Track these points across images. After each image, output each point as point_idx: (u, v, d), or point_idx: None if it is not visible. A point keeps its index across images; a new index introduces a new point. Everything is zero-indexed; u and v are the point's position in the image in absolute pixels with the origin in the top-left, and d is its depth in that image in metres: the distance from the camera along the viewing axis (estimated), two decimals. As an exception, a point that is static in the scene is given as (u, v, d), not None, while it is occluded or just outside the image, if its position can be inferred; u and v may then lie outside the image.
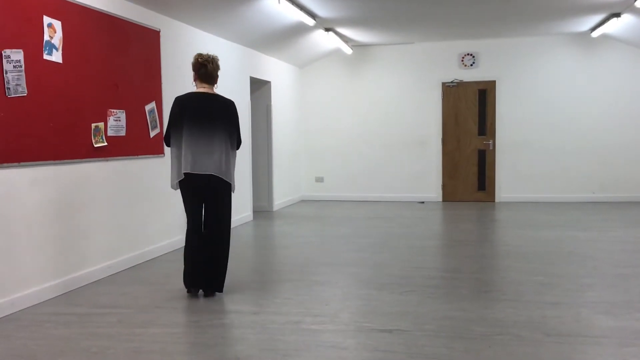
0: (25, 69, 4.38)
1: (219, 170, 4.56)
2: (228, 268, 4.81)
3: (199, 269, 4.66)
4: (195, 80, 4.69)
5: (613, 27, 9.13)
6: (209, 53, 4.77)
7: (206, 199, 4.67)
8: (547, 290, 4.74)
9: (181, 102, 4.61)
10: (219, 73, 4.75)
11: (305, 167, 11.62)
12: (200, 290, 4.74)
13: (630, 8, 7.91)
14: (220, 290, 4.74)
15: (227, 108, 4.69)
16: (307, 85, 11.55)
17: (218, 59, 4.72)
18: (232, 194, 4.79)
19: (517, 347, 3.49)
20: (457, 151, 11.00)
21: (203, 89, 4.66)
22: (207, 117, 4.57)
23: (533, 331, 3.76)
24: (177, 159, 4.59)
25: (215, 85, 4.73)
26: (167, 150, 6.36)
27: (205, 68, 4.61)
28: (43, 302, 4.56)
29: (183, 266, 4.75)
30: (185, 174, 4.53)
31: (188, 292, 4.73)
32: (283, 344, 3.63)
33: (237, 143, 4.79)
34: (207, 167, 4.53)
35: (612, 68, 10.39)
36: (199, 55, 4.66)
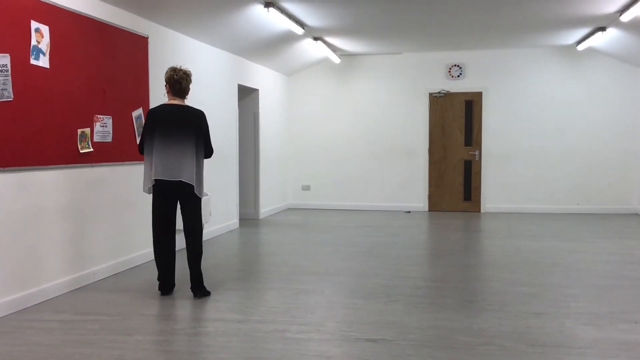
0: (11, 74, 4.35)
1: (188, 176, 4.78)
2: (215, 275, 5.05)
3: (170, 271, 4.96)
4: (168, 92, 4.95)
5: (598, 40, 9.25)
6: (182, 67, 4.97)
7: (180, 203, 4.93)
8: (531, 300, 4.77)
9: (154, 114, 4.90)
10: (191, 86, 5.05)
11: (292, 175, 11.61)
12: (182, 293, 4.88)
13: (615, 22, 8.01)
14: (207, 292, 4.93)
15: (195, 118, 4.91)
16: (294, 93, 11.56)
17: (191, 74, 4.99)
18: (202, 199, 5.04)
19: (501, 358, 3.50)
20: (444, 161, 11.05)
21: (174, 101, 4.92)
22: (177, 127, 4.81)
23: (517, 341, 3.78)
24: (149, 166, 4.84)
25: (186, 97, 5.00)
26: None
27: (180, 85, 4.89)
28: (25, 308, 4.51)
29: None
30: (156, 180, 4.78)
31: (161, 293, 4.97)
32: (268, 352, 3.62)
33: (208, 151, 5.00)
34: (176, 173, 4.77)
35: (598, 81, 10.51)
36: (174, 72, 4.89)
